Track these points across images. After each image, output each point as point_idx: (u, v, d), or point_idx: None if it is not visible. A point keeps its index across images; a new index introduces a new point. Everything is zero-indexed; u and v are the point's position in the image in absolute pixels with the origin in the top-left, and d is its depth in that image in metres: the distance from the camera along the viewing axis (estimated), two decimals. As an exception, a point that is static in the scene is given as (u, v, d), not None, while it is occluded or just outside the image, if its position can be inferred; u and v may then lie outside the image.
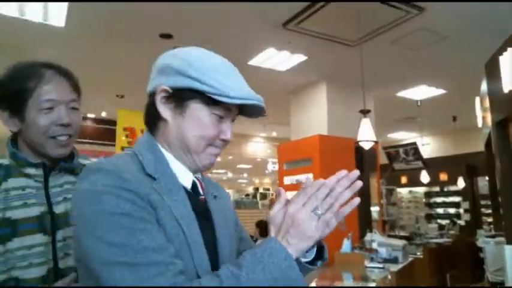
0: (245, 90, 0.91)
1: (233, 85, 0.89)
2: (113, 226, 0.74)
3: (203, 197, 0.96)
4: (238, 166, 15.33)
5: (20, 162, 1.10)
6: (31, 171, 1.10)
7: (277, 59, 5.56)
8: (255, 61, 5.65)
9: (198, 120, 0.89)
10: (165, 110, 0.90)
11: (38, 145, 1.10)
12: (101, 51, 5.48)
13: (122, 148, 6.24)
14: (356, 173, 0.86)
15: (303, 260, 0.87)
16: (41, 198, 1.09)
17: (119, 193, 0.76)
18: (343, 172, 0.86)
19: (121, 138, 6.27)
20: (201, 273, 0.81)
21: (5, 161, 1.11)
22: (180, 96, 0.88)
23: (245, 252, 0.79)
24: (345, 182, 0.85)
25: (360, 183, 0.86)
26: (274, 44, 5.12)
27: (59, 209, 1.11)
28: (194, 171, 0.95)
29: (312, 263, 0.90)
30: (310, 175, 5.57)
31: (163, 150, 0.91)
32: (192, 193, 0.93)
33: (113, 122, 6.50)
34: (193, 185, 0.95)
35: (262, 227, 5.81)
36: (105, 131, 8.67)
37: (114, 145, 6.38)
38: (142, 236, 0.74)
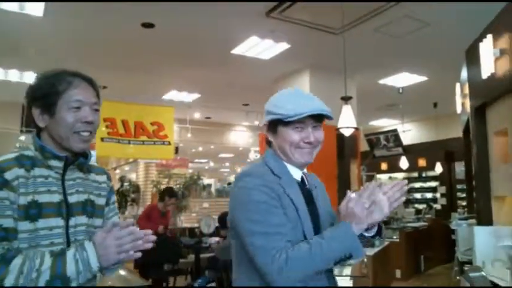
0: (297, 106, 1.33)
1: (291, 106, 1.32)
2: (257, 210, 1.25)
3: (308, 186, 1.43)
4: (220, 155, 15.30)
5: (46, 154, 1.29)
6: (54, 163, 1.29)
7: (260, 47, 5.54)
8: (239, 50, 5.63)
9: (283, 136, 1.37)
10: (269, 136, 1.42)
11: (64, 139, 1.30)
12: (81, 41, 5.37)
13: (102, 139, 6.15)
14: (404, 183, 1.31)
15: (366, 234, 1.28)
16: (59, 188, 1.29)
17: (261, 189, 1.27)
18: (400, 183, 1.31)
19: (101, 129, 6.17)
20: (308, 239, 1.26)
21: (30, 153, 1.29)
22: (272, 126, 1.39)
23: (327, 229, 1.27)
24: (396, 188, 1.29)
25: (405, 187, 1.32)
26: (257, 32, 5.10)
27: (72, 199, 1.31)
28: (300, 168, 1.43)
29: (373, 237, 1.34)
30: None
31: (280, 158, 1.40)
32: (301, 184, 1.41)
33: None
34: (302, 178, 1.43)
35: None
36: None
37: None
38: (273, 216, 1.25)
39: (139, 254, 1.26)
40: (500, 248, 3.23)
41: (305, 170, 1.46)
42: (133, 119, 6.35)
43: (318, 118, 1.39)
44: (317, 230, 1.33)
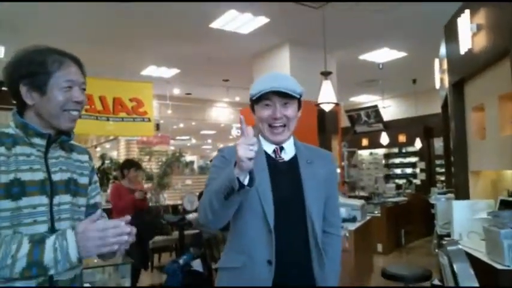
0: (261, 85, 1.48)
1: (256, 86, 1.50)
2: (211, 171, 1.52)
3: (279, 159, 1.54)
4: (202, 132, 15.19)
5: (29, 132, 1.28)
6: (36, 141, 1.29)
7: (239, 21, 5.42)
8: (217, 23, 5.49)
9: (257, 114, 1.54)
10: (254, 116, 1.58)
11: (54, 117, 1.30)
12: (52, 13, 5.14)
13: (79, 116, 5.99)
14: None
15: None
16: (43, 166, 1.28)
17: (219, 158, 1.55)
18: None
19: (77, 105, 6.01)
20: (265, 206, 1.42)
21: (11, 130, 1.28)
22: (251, 106, 1.58)
23: None
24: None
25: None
26: (235, 5, 4.97)
27: (56, 177, 1.30)
28: (274, 143, 1.55)
29: (249, 185, 1.32)
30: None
31: (260, 134, 1.56)
32: (272, 156, 1.54)
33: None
34: (274, 151, 1.55)
35: None
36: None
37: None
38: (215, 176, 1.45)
39: (123, 249, 1.23)
40: (476, 220, 3.32)
41: (285, 145, 1.58)
42: (111, 95, 6.18)
43: (287, 96, 1.48)
44: (301, 200, 1.46)
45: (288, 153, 1.56)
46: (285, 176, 1.50)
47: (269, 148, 1.55)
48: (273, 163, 1.51)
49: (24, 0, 4.60)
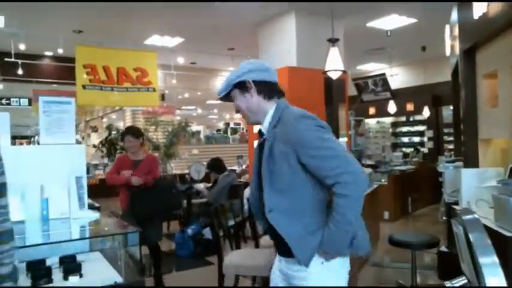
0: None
1: None
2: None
3: (263, 138, 1.70)
4: (207, 102, 15.11)
5: None
6: None
7: (244, -14, 5.26)
8: (221, -11, 5.33)
9: None
10: None
11: None
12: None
13: (84, 86, 5.94)
14: None
15: None
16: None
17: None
18: None
19: (81, 77, 5.94)
20: (253, 177, 1.78)
21: None
22: None
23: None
24: None
25: None
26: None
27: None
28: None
29: None
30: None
31: None
32: (260, 136, 1.75)
33: (73, 60, 6.09)
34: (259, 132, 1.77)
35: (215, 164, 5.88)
36: (65, 70, 8.19)
37: (74, 84, 6.05)
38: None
39: None
40: (484, 188, 3.30)
41: (266, 121, 1.71)
42: (115, 65, 6.12)
43: (227, 98, 1.79)
44: (258, 168, 1.71)
45: (265, 134, 1.69)
46: (260, 153, 1.69)
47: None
48: (260, 142, 1.76)
49: (25, 0, 4.47)
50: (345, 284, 1.62)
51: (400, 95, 10.48)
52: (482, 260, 0.68)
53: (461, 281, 0.80)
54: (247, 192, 5.47)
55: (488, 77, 3.45)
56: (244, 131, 15.16)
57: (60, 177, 2.30)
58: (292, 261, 1.61)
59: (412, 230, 6.19)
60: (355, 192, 1.45)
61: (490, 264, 0.68)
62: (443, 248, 3.87)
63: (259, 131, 1.75)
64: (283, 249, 1.61)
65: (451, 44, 4.76)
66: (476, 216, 0.73)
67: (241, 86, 1.69)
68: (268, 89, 1.72)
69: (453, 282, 0.80)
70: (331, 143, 1.49)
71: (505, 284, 0.65)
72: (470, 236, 0.70)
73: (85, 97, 5.98)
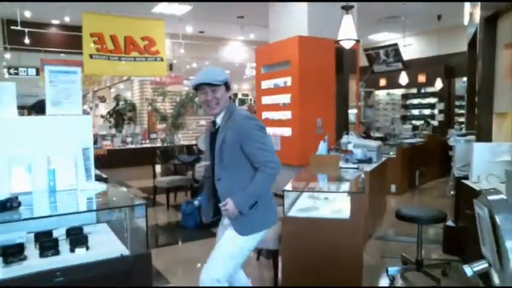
0: (197, 79, 2.16)
1: (194, 79, 2.18)
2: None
3: (213, 129, 2.26)
4: (216, 71, 14.93)
5: None
6: None
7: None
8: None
9: (198, 98, 2.30)
10: None
11: None
12: None
13: (91, 56, 5.86)
14: None
15: None
16: None
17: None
18: None
19: (88, 45, 5.85)
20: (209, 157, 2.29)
21: None
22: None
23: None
24: None
25: None
26: None
27: None
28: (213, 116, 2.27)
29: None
30: (289, 78, 5.45)
31: None
32: (213, 126, 2.28)
33: (80, 29, 5.98)
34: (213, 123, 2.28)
35: None
36: (72, 39, 8.08)
37: (81, 53, 5.97)
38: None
39: None
40: (496, 163, 3.23)
41: (220, 116, 2.22)
42: (122, 33, 6.01)
43: (214, 85, 2.14)
44: (212, 153, 2.23)
45: (218, 124, 2.23)
46: (214, 141, 2.20)
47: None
48: (212, 131, 2.26)
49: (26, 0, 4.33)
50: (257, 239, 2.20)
51: (412, 66, 10.24)
52: (510, 244, 0.63)
53: (482, 264, 0.76)
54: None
55: (509, 47, 3.31)
56: (253, 102, 15.03)
57: (66, 148, 2.27)
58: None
59: (418, 204, 6.16)
60: (271, 172, 2.11)
61: (516, 250, 0.63)
62: (449, 223, 3.85)
63: (213, 122, 2.27)
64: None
65: (470, 12, 4.58)
66: (504, 196, 0.68)
67: (227, 84, 2.21)
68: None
69: (472, 265, 0.75)
70: (264, 139, 2.14)
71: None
72: (497, 218, 0.66)
73: (92, 67, 5.92)
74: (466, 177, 3.49)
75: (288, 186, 3.06)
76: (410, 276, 3.38)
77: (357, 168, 4.02)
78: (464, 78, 6.55)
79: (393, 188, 6.58)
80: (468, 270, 0.75)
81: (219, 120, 2.24)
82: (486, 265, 0.76)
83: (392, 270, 3.35)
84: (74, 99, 2.43)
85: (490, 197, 0.69)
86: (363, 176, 3.67)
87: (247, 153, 2.12)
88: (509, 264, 0.61)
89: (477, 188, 3.12)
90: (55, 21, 8.58)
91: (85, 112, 10.52)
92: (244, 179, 2.13)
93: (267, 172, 2.10)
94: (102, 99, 16.26)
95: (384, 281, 3.33)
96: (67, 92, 2.39)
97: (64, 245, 1.85)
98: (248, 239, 2.14)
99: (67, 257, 1.76)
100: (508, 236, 0.63)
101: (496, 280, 0.77)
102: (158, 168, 6.70)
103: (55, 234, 1.93)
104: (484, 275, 0.85)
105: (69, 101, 2.40)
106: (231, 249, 2.14)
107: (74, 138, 2.31)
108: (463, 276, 3.33)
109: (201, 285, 2.10)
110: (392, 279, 3.30)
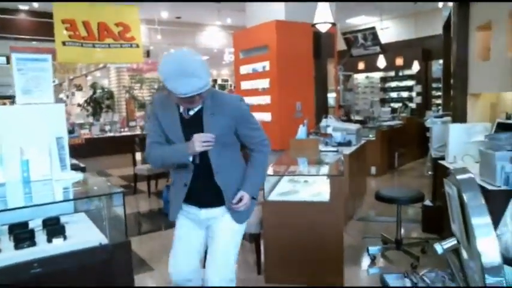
0: (170, 85, 1.69)
1: (166, 81, 1.70)
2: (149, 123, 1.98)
3: (187, 116, 1.88)
4: (194, 57, 14.76)
5: None
6: None
7: None
8: None
9: (171, 93, 1.74)
10: None
11: None
12: None
13: (63, 43, 5.68)
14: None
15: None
16: None
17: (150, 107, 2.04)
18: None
19: (60, 32, 5.65)
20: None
21: None
22: None
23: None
24: None
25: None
26: None
27: None
28: None
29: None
30: (267, 63, 5.42)
31: None
32: (182, 114, 1.89)
33: (51, 15, 5.77)
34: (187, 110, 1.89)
35: None
36: (44, 25, 7.80)
37: (54, 40, 5.78)
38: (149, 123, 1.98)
39: None
40: (471, 143, 3.31)
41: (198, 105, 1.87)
42: (95, 20, 5.84)
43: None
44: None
45: (194, 109, 1.86)
46: (191, 129, 1.84)
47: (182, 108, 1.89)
48: (184, 118, 1.89)
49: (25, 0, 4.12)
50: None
51: (390, 50, 10.33)
52: (475, 221, 0.64)
53: (451, 242, 0.77)
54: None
55: (481, 29, 3.37)
56: (232, 88, 14.94)
57: (39, 138, 2.22)
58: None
59: (398, 185, 6.29)
60: (268, 149, 2.05)
61: (483, 225, 0.64)
62: (427, 202, 3.95)
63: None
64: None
65: (444, -5, 4.62)
66: (471, 175, 0.70)
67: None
68: None
69: (442, 243, 0.77)
70: (255, 119, 2.04)
71: (496, 245, 0.62)
72: (464, 196, 0.67)
73: (65, 54, 5.75)
74: (443, 158, 3.57)
75: (269, 171, 3.07)
76: (391, 255, 3.46)
77: (337, 152, 4.06)
78: (441, 61, 6.64)
79: (373, 169, 6.68)
80: (439, 248, 0.77)
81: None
82: (455, 242, 0.78)
83: (373, 249, 3.42)
84: (45, 87, 2.36)
85: (459, 176, 0.70)
86: (342, 159, 3.71)
87: (243, 135, 1.98)
88: (475, 240, 0.63)
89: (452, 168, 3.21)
90: (23, 7, 8.27)
91: (61, 101, 10.27)
92: (240, 164, 2.04)
93: (264, 151, 2.02)
94: (79, 88, 15.88)
95: (365, 260, 3.40)
96: (37, 80, 2.33)
97: (41, 236, 1.82)
98: (244, 224, 2.04)
99: (44, 248, 1.73)
100: (474, 213, 0.64)
101: (465, 255, 0.79)
102: (138, 155, 6.62)
103: (31, 225, 1.89)
104: (456, 251, 0.87)
105: (40, 89, 2.34)
106: (236, 241, 2.00)
107: (47, 128, 2.26)
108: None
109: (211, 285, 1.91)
110: (373, 258, 3.37)
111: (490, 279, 0.63)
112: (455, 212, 0.73)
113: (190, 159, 1.82)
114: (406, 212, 4.59)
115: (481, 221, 0.65)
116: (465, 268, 0.81)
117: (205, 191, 1.94)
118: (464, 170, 0.72)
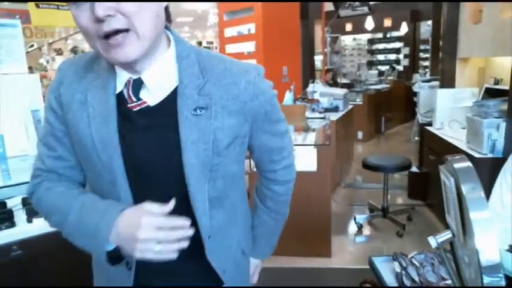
0: None
1: None
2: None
3: (145, 103, 0.81)
4: (177, 20, 14.27)
5: None
6: None
7: None
8: None
9: (77, 23, 0.75)
10: None
11: None
12: None
13: (37, 5, 5.37)
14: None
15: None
16: None
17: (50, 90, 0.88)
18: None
19: (34, -8, 5.35)
20: (115, 177, 0.82)
21: None
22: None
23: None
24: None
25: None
26: None
27: None
28: (128, 71, 0.81)
29: None
30: (252, 25, 5.24)
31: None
32: (122, 98, 0.82)
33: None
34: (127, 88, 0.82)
35: None
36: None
37: (27, 0, 5.45)
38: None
39: None
40: (459, 109, 3.30)
41: (155, 65, 0.82)
42: (71, -20, 5.52)
43: None
44: (132, 158, 0.81)
45: (154, 91, 0.81)
46: (147, 133, 0.81)
47: (121, 81, 0.82)
48: (125, 110, 0.82)
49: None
50: None
51: (378, 10, 10.11)
52: (474, 216, 0.60)
53: (446, 235, 0.74)
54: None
55: (472, -9, 3.26)
56: (217, 50, 14.61)
57: (14, 111, 2.11)
58: None
59: (384, 150, 6.32)
60: (292, 186, 1.09)
61: (482, 220, 0.60)
62: (413, 169, 3.97)
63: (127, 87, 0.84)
64: None
65: (435, -47, 4.46)
66: (470, 165, 0.65)
67: None
68: None
69: (437, 236, 0.74)
70: (281, 114, 1.02)
71: (496, 243, 0.59)
72: (463, 188, 0.62)
73: (40, 18, 5.46)
74: (430, 124, 3.56)
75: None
76: (377, 223, 3.50)
77: (324, 118, 4.01)
78: (429, 22, 6.53)
79: (360, 135, 6.69)
80: (433, 241, 0.73)
81: (156, 76, 0.81)
82: (450, 235, 0.74)
83: (360, 218, 3.46)
84: (16, 56, 2.22)
85: (456, 165, 0.66)
86: (329, 126, 3.67)
87: (258, 146, 0.96)
88: (473, 237, 0.59)
89: (440, 135, 3.19)
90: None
91: (42, 66, 9.89)
92: (244, 211, 1.05)
93: (287, 188, 1.08)
94: (59, 52, 15.34)
95: (352, 229, 3.44)
96: (7, 48, 2.18)
97: (21, 216, 1.76)
98: None
99: (24, 229, 1.67)
100: (473, 207, 0.60)
101: (460, 249, 0.76)
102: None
103: (9, 204, 1.82)
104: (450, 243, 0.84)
105: (11, 58, 2.20)
106: None
107: (21, 100, 2.14)
108: (426, 220, 3.49)
109: None
110: (360, 226, 3.41)
111: (487, 279, 0.60)
112: (452, 203, 0.69)
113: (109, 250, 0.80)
114: (393, 178, 4.63)
115: (480, 215, 0.61)
116: (459, 261, 0.78)
117: (181, 274, 0.91)
118: (462, 158, 0.67)
